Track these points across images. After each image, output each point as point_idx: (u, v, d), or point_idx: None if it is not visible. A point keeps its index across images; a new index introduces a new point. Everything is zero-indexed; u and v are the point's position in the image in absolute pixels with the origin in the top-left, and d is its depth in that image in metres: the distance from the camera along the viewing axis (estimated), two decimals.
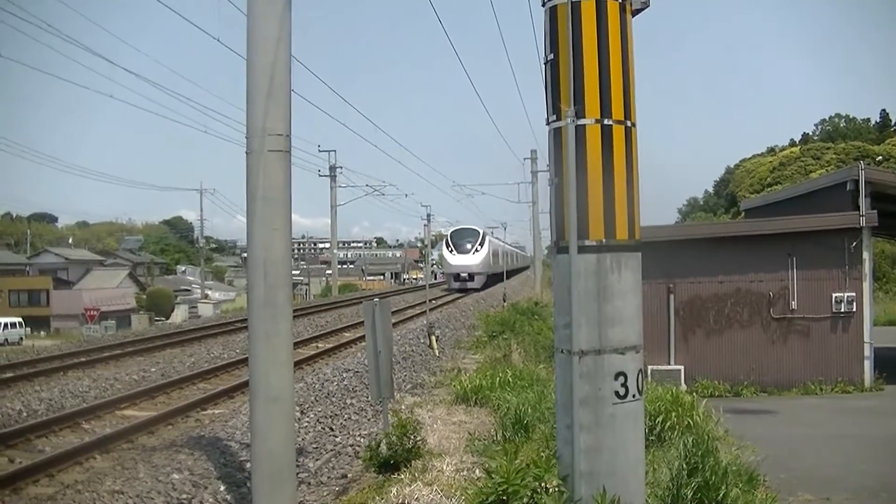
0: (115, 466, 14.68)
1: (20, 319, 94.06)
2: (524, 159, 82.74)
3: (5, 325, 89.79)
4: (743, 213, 71.26)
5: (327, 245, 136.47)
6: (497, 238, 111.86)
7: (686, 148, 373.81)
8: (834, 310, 32.35)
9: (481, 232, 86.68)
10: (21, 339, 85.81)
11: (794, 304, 32.42)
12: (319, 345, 35.17)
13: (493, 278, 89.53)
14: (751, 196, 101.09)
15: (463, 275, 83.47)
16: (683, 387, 24.34)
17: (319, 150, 42.38)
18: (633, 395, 8.42)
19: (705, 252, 33.35)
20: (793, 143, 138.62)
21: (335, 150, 38.61)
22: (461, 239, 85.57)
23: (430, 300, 38.23)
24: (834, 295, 32.34)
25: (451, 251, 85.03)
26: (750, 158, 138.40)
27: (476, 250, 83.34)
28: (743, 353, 32.50)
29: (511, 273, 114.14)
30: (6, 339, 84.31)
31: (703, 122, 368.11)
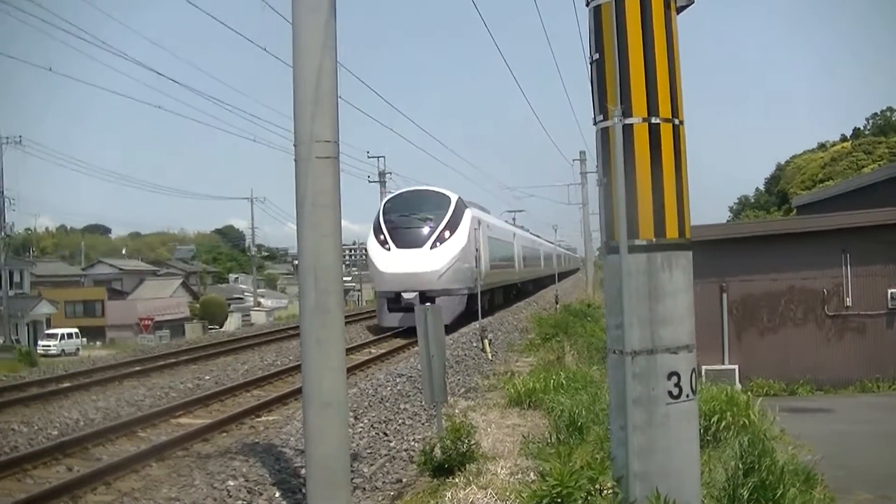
0: (170, 474, 14.78)
1: (76, 330, 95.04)
2: (573, 160, 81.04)
3: (62, 335, 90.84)
4: (795, 210, 70.67)
5: None
6: (511, 223, 78.27)
7: (736, 145, 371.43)
8: (890, 306, 32.06)
9: (452, 200, 45.00)
10: (78, 349, 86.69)
11: (848, 301, 32.15)
12: (372, 350, 35.34)
13: (498, 295, 57.02)
14: (802, 193, 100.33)
15: (408, 296, 41.67)
16: (738, 386, 24.14)
17: (368, 156, 42.49)
18: (687, 395, 8.37)
19: (758, 250, 33.13)
20: (844, 139, 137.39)
21: (384, 156, 38.70)
22: (407, 213, 44.64)
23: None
24: (890, 291, 32.05)
25: (384, 244, 43.50)
26: (801, 155, 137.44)
27: (438, 241, 42.76)
28: (797, 351, 32.26)
29: (540, 280, 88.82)
30: (63, 350, 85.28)
31: (753, 118, 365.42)
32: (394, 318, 41.75)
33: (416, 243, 42.10)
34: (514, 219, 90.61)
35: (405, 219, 43.58)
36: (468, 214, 44.35)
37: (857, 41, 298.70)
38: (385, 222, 43.35)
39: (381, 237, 42.71)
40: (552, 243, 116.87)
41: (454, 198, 44.66)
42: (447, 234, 42.28)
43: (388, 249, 42.14)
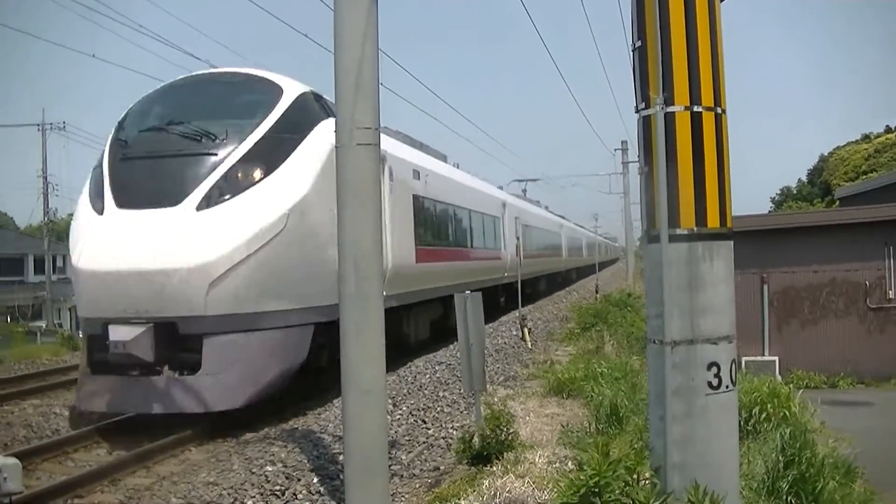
0: (209, 458, 14.87)
1: None
2: (615, 150, 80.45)
3: None
4: (837, 202, 70.08)
5: None
6: (529, 200, 61.90)
7: (778, 136, 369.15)
8: None
9: (284, 94, 20.07)
10: None
11: (891, 294, 31.85)
12: None
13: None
14: (845, 184, 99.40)
15: (120, 335, 16.67)
16: (778, 378, 23.98)
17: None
18: (727, 386, 8.30)
19: (799, 241, 32.87)
20: (888, 130, 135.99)
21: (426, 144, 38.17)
22: (170, 128, 19.20)
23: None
24: None
25: (97, 203, 18.51)
26: (844, 146, 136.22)
27: (225, 190, 17.89)
28: (839, 343, 32.00)
29: (571, 270, 78.46)
30: None
31: (795, 109, 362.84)
32: (100, 391, 17.75)
33: (167, 197, 17.93)
34: (524, 190, 74.64)
35: (158, 141, 19.22)
36: (322, 131, 19.41)
37: None
38: (115, 152, 19.64)
39: (98, 188, 19.06)
40: (592, 232, 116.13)
41: (290, 89, 20.39)
42: (255, 172, 18.37)
43: (102, 213, 18.33)
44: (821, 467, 11.45)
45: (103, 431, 17.10)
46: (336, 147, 10.81)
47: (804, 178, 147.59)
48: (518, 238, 41.74)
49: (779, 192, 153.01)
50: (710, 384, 8.19)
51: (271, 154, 18.63)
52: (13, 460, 7.98)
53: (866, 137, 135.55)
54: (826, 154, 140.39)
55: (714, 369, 8.21)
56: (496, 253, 42.30)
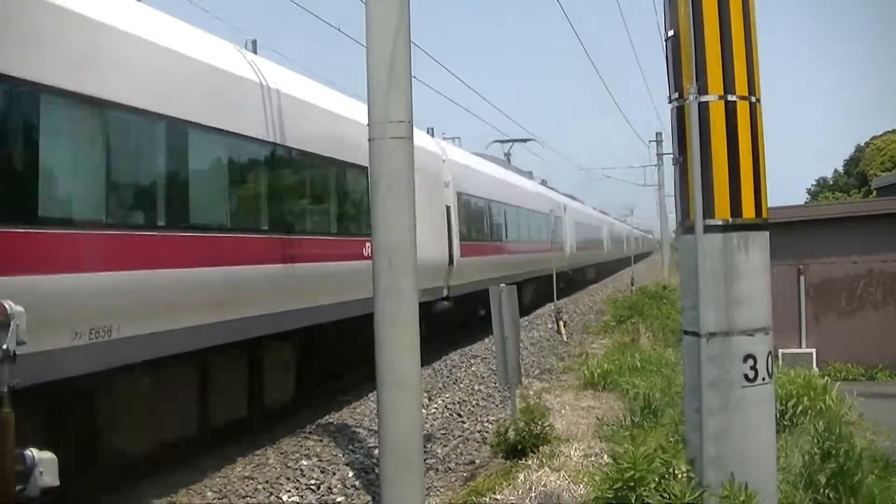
0: (245, 452, 14.87)
1: None
2: (649, 142, 79.93)
3: None
4: (874, 192, 69.58)
5: None
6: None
7: (814, 126, 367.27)
8: None
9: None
10: None
11: None
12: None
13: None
14: (882, 174, 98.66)
15: None
16: (815, 370, 23.83)
17: (444, 137, 42.51)
18: (763, 378, 8.23)
19: (836, 232, 32.59)
20: None
21: (459, 137, 38.25)
22: None
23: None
24: None
25: None
26: (881, 136, 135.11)
27: None
28: (877, 335, 31.70)
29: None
30: None
31: (831, 98, 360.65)
32: None
33: None
34: (507, 154, 58.87)
35: None
36: None
37: None
38: None
39: None
40: (628, 225, 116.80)
41: None
42: None
43: None
44: (859, 460, 11.33)
45: None
46: (369, 141, 10.80)
47: (840, 169, 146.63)
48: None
49: (814, 182, 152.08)
50: (746, 376, 8.12)
51: None
52: (49, 454, 7.98)
53: None
54: (862, 144, 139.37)
55: (750, 361, 8.14)
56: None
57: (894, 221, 31.80)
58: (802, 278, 32.24)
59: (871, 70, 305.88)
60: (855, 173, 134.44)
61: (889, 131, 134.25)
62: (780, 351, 28.85)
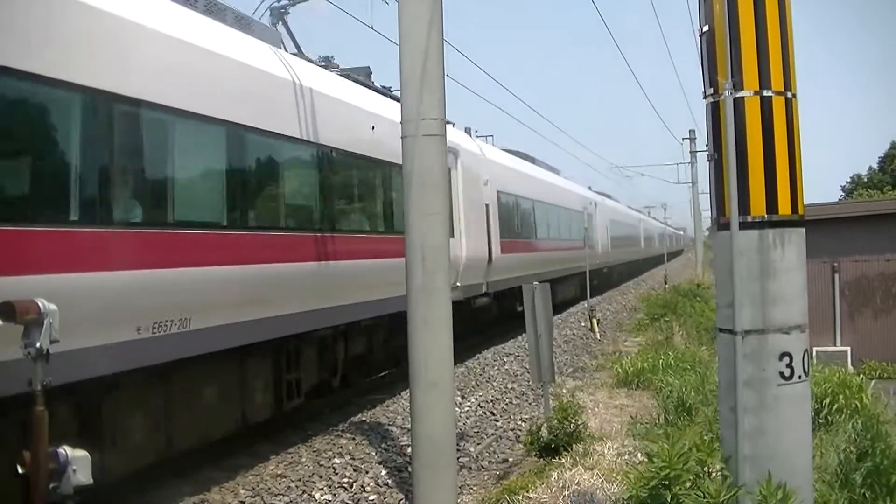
0: (278, 451, 14.89)
1: None
2: (682, 139, 79.55)
3: None
4: None
5: None
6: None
7: (849, 123, 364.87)
8: None
9: None
10: None
11: None
12: None
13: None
14: None
15: None
16: (850, 369, 23.67)
17: (477, 135, 41.75)
18: (799, 377, 8.16)
19: (871, 229, 32.36)
20: None
21: (493, 135, 38.06)
22: None
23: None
24: None
25: None
26: None
27: None
28: None
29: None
30: None
31: (868, 93, 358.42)
32: None
33: None
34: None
35: None
36: None
37: None
38: None
39: None
40: (662, 223, 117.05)
41: None
42: None
43: None
44: (895, 459, 11.25)
45: None
46: (402, 138, 10.78)
47: (875, 166, 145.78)
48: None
49: (849, 179, 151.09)
50: (781, 374, 8.05)
51: None
52: (82, 452, 8.00)
53: None
54: None
55: (786, 359, 8.08)
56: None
57: None
58: (837, 276, 32.07)
59: None
60: (890, 170, 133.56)
61: None
62: (815, 349, 28.70)
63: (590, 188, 61.60)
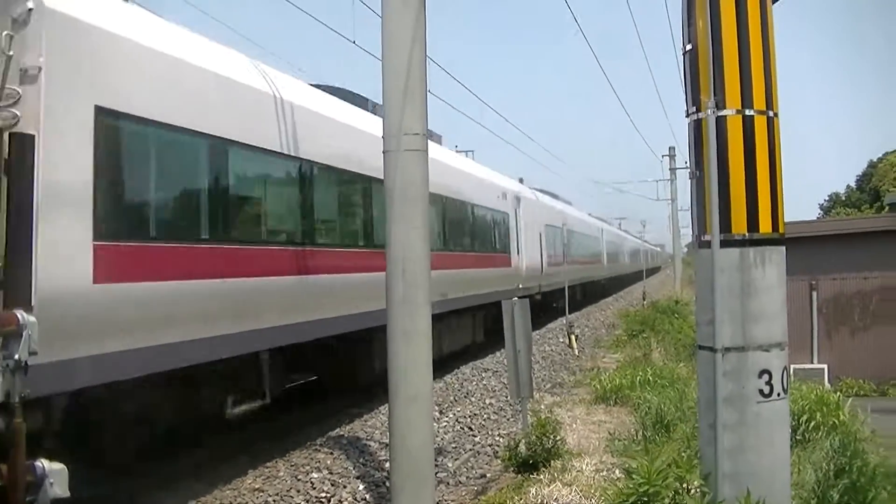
0: (255, 464, 14.85)
1: None
2: (662, 156, 79.85)
3: None
4: (887, 208, 69.49)
5: None
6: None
7: (826, 141, 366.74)
8: None
9: None
10: None
11: None
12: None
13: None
14: (895, 190, 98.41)
15: None
16: (827, 386, 23.78)
17: (457, 150, 41.57)
18: (778, 394, 8.21)
19: (849, 248, 32.58)
20: None
21: (473, 151, 38.35)
22: None
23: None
24: None
25: None
26: (894, 151, 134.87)
27: None
28: (889, 350, 31.63)
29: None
30: None
31: (844, 113, 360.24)
32: None
33: None
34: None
35: None
36: None
37: None
38: None
39: None
40: (638, 238, 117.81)
41: None
42: None
43: None
44: (872, 476, 11.31)
45: None
46: (384, 153, 10.79)
47: (853, 184, 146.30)
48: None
49: (827, 198, 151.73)
50: (761, 392, 8.10)
51: None
52: (59, 465, 8.01)
53: None
54: (875, 159, 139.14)
55: (766, 377, 8.13)
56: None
57: None
58: (815, 294, 32.23)
59: (884, 85, 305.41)
60: (868, 189, 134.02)
61: None
62: (793, 366, 28.73)
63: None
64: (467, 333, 29.14)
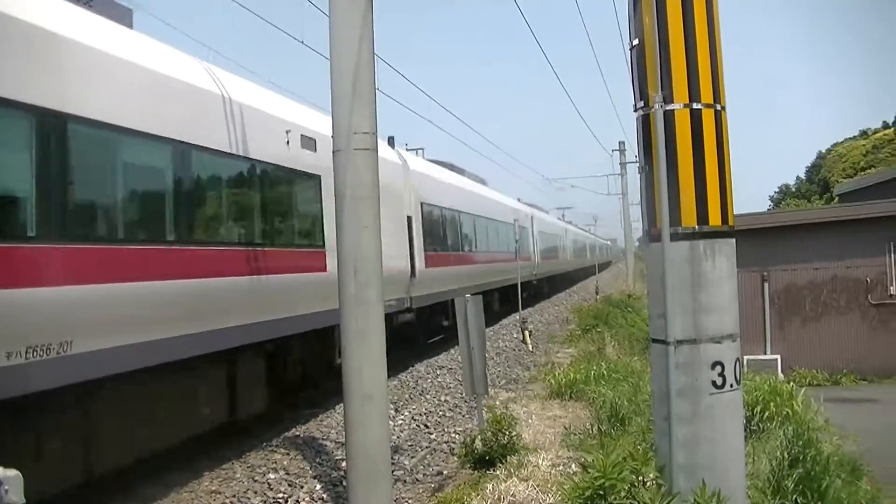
0: (212, 466, 14.79)
1: None
2: (612, 151, 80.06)
3: None
4: (837, 199, 70.06)
5: None
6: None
7: (776, 134, 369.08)
8: None
9: None
10: None
11: (892, 290, 31.83)
12: None
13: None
14: (844, 181, 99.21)
15: None
16: (780, 376, 23.96)
17: (407, 149, 41.59)
18: (731, 385, 8.26)
19: (800, 239, 32.85)
20: (886, 126, 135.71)
21: (423, 148, 37.98)
22: None
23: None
24: None
25: None
26: (842, 142, 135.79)
27: None
28: (841, 340, 31.98)
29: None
30: None
31: (792, 106, 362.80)
32: None
33: None
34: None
35: None
36: None
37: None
38: None
39: None
40: (592, 234, 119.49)
41: None
42: None
43: None
44: (826, 465, 11.42)
45: None
46: (333, 152, 10.75)
47: (802, 176, 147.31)
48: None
49: (777, 189, 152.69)
50: (714, 383, 8.15)
51: None
52: (14, 472, 7.88)
53: (864, 133, 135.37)
54: (824, 151, 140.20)
55: (718, 368, 8.18)
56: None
57: (857, 228, 32.09)
58: (766, 285, 32.47)
59: (833, 77, 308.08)
60: (817, 180, 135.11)
61: (850, 138, 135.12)
62: (746, 358, 28.94)
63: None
64: None
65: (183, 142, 13.57)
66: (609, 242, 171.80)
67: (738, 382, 8.40)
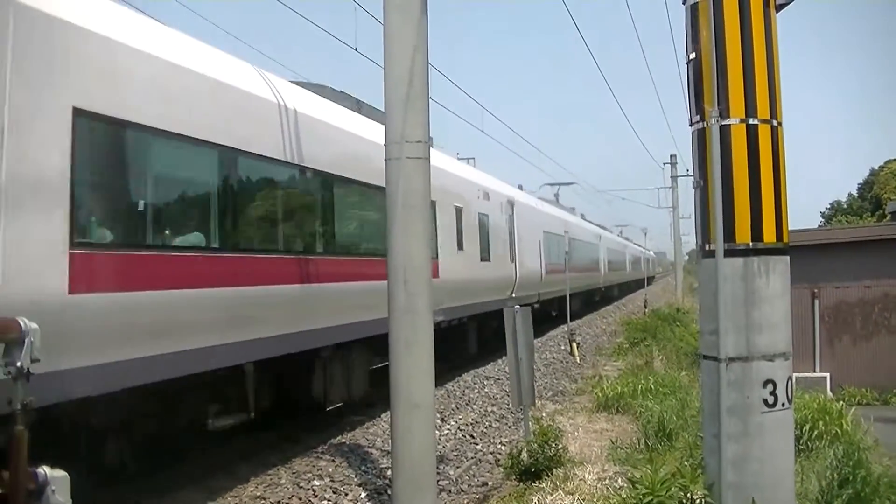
0: (257, 472, 14.81)
1: None
2: (664, 164, 79.82)
3: None
4: (889, 216, 69.42)
5: None
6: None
7: (828, 150, 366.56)
8: None
9: None
10: None
11: None
12: None
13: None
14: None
15: None
16: (829, 395, 23.71)
17: (458, 158, 41.70)
18: (783, 404, 8.19)
19: (850, 256, 32.47)
20: None
21: (475, 158, 38.35)
22: None
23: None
24: None
25: None
26: (895, 160, 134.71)
27: None
28: (891, 359, 31.56)
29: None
30: None
31: (846, 122, 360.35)
32: None
33: None
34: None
35: None
36: None
37: None
38: None
39: None
40: (638, 246, 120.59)
41: None
42: None
43: None
44: (876, 486, 11.26)
45: None
46: (386, 161, 10.76)
47: (854, 193, 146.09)
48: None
49: (828, 206, 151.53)
50: (765, 402, 8.08)
51: None
52: (61, 473, 7.94)
53: None
54: (877, 168, 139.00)
55: (770, 386, 8.10)
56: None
57: None
58: (817, 302, 32.16)
59: (887, 93, 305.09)
60: (869, 197, 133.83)
61: None
62: (795, 375, 28.62)
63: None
64: None
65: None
66: (653, 254, 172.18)
67: (789, 401, 8.33)
